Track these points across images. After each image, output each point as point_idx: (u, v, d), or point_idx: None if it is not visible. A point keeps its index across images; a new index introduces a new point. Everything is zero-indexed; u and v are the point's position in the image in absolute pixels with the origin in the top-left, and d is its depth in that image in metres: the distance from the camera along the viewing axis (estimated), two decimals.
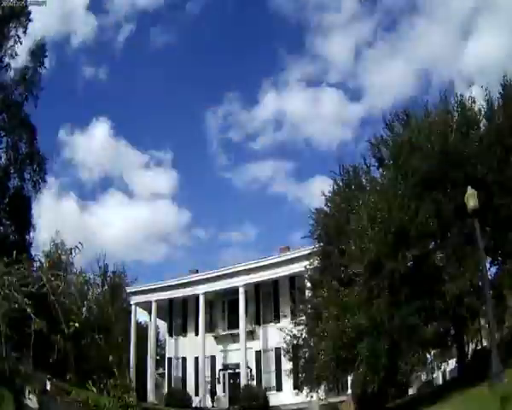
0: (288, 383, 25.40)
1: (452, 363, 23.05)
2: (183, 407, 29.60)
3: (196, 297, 34.98)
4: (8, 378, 7.04)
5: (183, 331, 37.77)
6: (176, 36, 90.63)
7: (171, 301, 37.72)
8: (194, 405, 31.53)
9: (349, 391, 23.37)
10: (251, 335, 33.21)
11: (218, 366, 34.66)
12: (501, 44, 67.81)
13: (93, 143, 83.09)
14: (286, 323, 22.40)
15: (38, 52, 29.00)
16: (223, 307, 36.16)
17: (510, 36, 69.39)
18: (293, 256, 29.98)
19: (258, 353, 32.89)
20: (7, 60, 27.88)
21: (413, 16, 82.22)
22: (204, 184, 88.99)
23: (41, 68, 29.03)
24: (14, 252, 7.43)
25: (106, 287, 42.29)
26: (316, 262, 19.19)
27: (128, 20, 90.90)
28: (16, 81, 28.29)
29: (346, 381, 22.40)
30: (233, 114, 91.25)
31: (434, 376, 28.40)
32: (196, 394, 33.34)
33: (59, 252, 39.66)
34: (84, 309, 7.41)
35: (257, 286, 33.72)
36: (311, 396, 19.79)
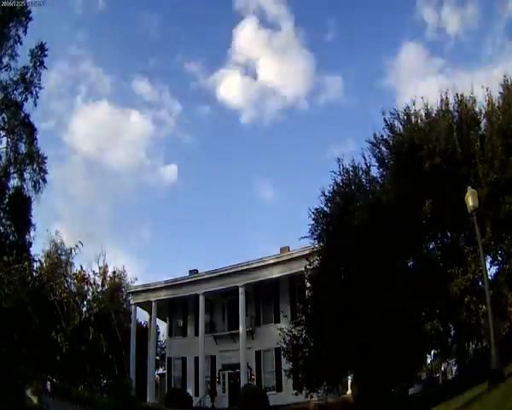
0: (287, 383, 25.36)
1: (452, 363, 23.08)
2: (183, 407, 29.48)
3: (196, 297, 34.92)
4: (8, 378, 7.03)
5: (183, 331, 37.75)
6: None
7: (171, 301, 37.67)
8: (194, 405, 31.44)
9: (349, 391, 23.39)
10: (251, 335, 33.15)
11: (218, 366, 34.60)
12: None
13: None
14: (286, 323, 22.34)
15: (38, 52, 28.94)
16: (223, 307, 36.11)
17: None
18: (293, 256, 29.93)
19: (258, 353, 32.84)
20: (7, 60, 27.88)
21: None
22: None
23: (41, 68, 29.00)
24: (14, 252, 7.42)
25: (106, 287, 42.18)
26: (316, 262, 19.17)
27: None
28: (16, 81, 28.25)
29: (346, 381, 22.41)
30: None
31: (435, 376, 28.48)
32: (196, 394, 33.25)
33: (59, 252, 39.78)
34: (84, 309, 7.41)
35: (257, 286, 33.66)
36: (311, 396, 19.79)
